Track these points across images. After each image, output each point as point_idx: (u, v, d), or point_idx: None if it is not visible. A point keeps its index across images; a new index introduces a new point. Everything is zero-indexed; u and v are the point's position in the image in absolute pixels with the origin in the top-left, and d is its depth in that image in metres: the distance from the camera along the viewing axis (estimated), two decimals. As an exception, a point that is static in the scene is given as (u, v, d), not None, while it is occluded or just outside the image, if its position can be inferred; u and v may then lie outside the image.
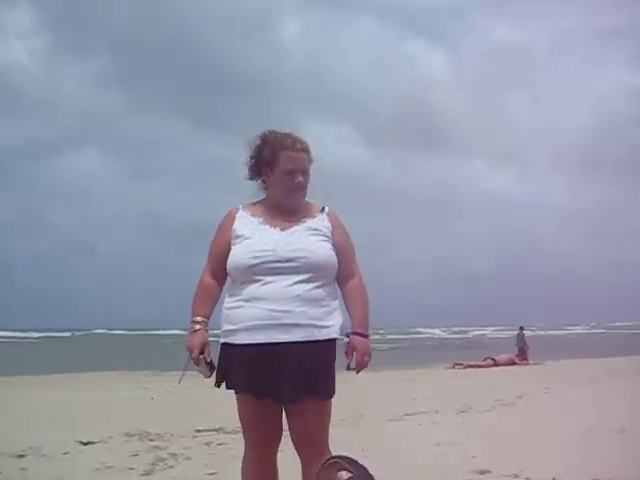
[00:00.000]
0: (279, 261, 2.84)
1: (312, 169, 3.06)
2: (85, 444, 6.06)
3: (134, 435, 6.48)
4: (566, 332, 62.22)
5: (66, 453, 5.63)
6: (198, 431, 6.70)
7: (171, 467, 5.09)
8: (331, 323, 2.89)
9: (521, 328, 23.43)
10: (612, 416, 7.17)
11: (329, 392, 2.90)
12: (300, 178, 2.96)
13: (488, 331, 66.84)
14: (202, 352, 2.92)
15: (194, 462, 5.26)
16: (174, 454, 5.54)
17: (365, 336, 2.97)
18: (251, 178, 3.11)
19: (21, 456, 5.42)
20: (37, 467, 5.05)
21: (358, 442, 5.64)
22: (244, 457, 2.96)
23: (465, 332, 69.45)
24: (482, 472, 4.61)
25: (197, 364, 2.93)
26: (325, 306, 2.89)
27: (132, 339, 49.12)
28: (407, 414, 8.21)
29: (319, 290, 2.88)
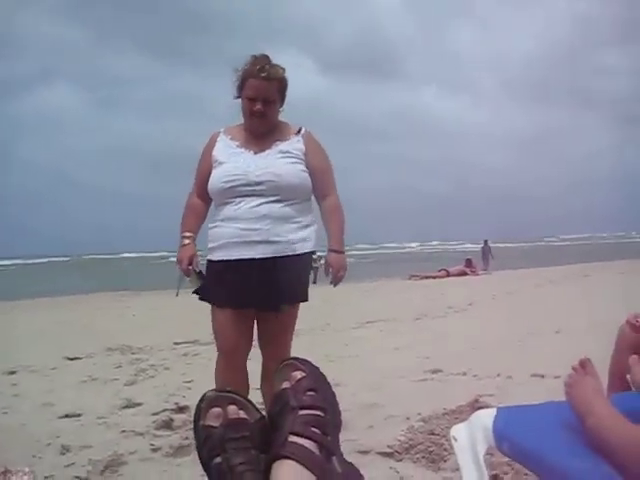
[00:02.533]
0: (249, 184, 2.86)
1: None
2: (71, 359, 6.10)
3: (116, 350, 6.54)
4: (518, 245, 63.23)
5: (54, 368, 5.67)
6: (176, 344, 6.78)
7: (152, 377, 5.16)
8: (301, 238, 2.92)
9: (485, 242, 24.03)
10: (550, 319, 7.41)
11: (295, 299, 2.96)
12: (258, 106, 2.91)
13: (448, 245, 67.66)
14: (190, 263, 3.00)
15: (173, 372, 5.33)
16: (154, 365, 5.61)
17: (340, 252, 3.03)
18: (237, 99, 3.07)
19: (12, 373, 5.44)
20: (27, 382, 5.08)
21: (322, 349, 5.77)
22: (216, 364, 3.02)
23: (422, 247, 70.42)
24: (434, 371, 4.74)
25: (187, 275, 3.02)
26: (295, 223, 2.91)
27: (115, 262, 48.95)
28: (369, 322, 8.39)
29: (288, 209, 2.89)
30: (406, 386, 4.34)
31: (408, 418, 3.39)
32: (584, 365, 1.81)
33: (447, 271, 20.07)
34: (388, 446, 2.94)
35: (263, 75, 2.87)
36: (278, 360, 2.78)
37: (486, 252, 23.78)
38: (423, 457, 2.77)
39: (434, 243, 78.66)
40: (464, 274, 20.08)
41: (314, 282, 3.71)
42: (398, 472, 2.65)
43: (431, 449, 2.80)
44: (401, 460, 2.81)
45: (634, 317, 2.59)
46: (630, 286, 9.26)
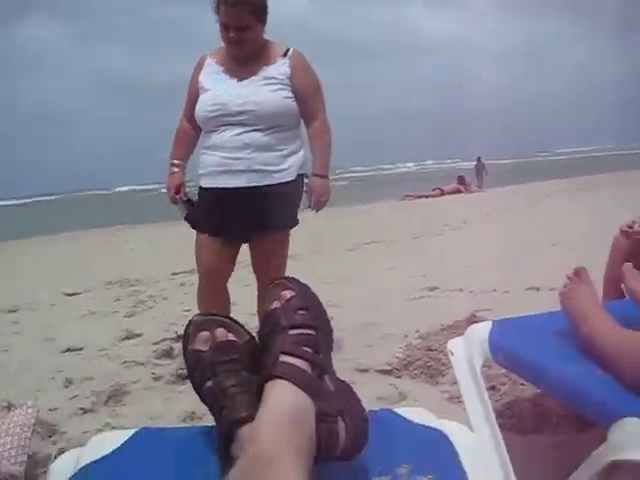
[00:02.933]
0: (230, 114, 2.83)
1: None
2: (70, 295, 6.11)
3: (115, 283, 6.54)
4: (513, 160, 62.90)
5: (53, 305, 5.69)
6: (174, 274, 6.78)
7: (151, 308, 5.19)
8: (284, 167, 2.89)
9: (478, 159, 23.84)
10: (546, 233, 7.43)
11: (282, 225, 2.95)
12: (232, 34, 2.82)
13: (444, 165, 67.28)
14: (178, 192, 3.05)
15: (171, 301, 5.36)
16: (152, 296, 5.63)
17: (324, 177, 3.00)
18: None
19: (12, 311, 5.45)
20: (28, 319, 5.10)
21: (318, 272, 5.79)
22: (198, 287, 3.05)
23: (417, 167, 70.18)
24: (431, 289, 4.77)
25: (175, 203, 3.06)
26: (277, 151, 2.88)
27: (109, 197, 48.77)
28: (365, 243, 8.39)
29: (270, 137, 2.85)
30: (403, 304, 4.37)
31: (406, 336, 3.42)
32: (579, 274, 1.80)
33: (441, 190, 19.96)
34: (387, 363, 2.98)
35: (232, 1, 2.76)
36: (269, 283, 2.81)
37: (480, 169, 23.58)
38: (422, 373, 2.82)
39: (429, 162, 78.31)
40: (458, 192, 19.97)
41: (309, 206, 3.71)
42: (397, 388, 2.69)
43: (429, 364, 2.84)
44: (400, 377, 2.85)
45: (626, 225, 2.59)
46: (625, 198, 9.23)
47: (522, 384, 2.36)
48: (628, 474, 1.28)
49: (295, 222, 2.99)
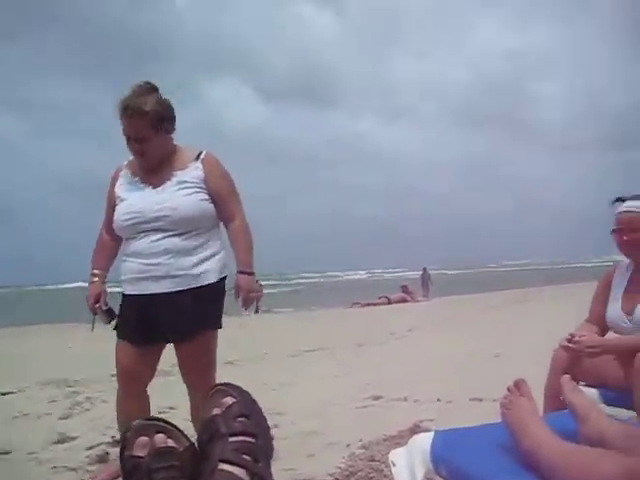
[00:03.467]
0: (147, 221, 2.83)
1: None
2: (4, 394, 5.85)
3: (52, 383, 6.30)
4: (460, 271, 64.27)
5: (-16, 404, 5.42)
6: (112, 376, 6.56)
7: (87, 410, 4.99)
8: (202, 270, 2.86)
9: (424, 269, 24.35)
10: (489, 344, 7.52)
11: (205, 328, 2.89)
12: (133, 144, 2.85)
13: (395, 273, 68.07)
14: (97, 301, 3.03)
15: (109, 404, 5.11)
16: (90, 398, 5.42)
17: (249, 274, 2.98)
18: None
19: (-61, 410, 5.17)
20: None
21: (261, 377, 5.69)
22: (117, 390, 2.99)
23: (364, 274, 70.91)
24: (375, 398, 4.73)
25: (94, 313, 3.05)
26: (196, 254, 2.86)
27: (52, 293, 47.61)
28: (308, 350, 8.32)
29: (188, 241, 2.84)
30: (346, 413, 4.31)
31: (348, 445, 3.36)
32: (519, 386, 1.82)
33: (388, 298, 20.19)
34: (329, 474, 2.90)
35: (129, 113, 2.78)
36: (199, 388, 2.77)
37: (425, 279, 24.10)
38: (363, 484, 2.75)
39: (378, 271, 79.20)
40: (404, 301, 20.24)
41: (256, 312, 3.65)
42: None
43: (371, 475, 2.77)
44: (342, 488, 2.78)
45: (565, 339, 2.66)
46: (566, 310, 9.47)
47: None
48: None
49: (219, 324, 2.94)
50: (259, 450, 1.01)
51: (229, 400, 1.06)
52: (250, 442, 1.00)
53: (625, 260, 2.89)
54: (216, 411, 1.06)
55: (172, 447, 1.04)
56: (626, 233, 2.70)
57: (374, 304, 19.27)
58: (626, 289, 2.84)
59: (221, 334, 2.95)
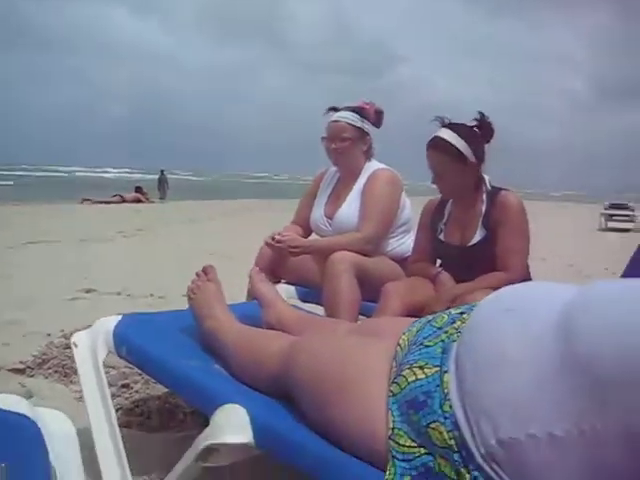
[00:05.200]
0: None
1: None
2: None
3: None
4: (202, 178, 64.14)
5: None
6: None
7: None
8: None
9: (162, 172, 23.99)
10: (211, 245, 7.68)
11: None
12: None
13: (123, 172, 65.99)
14: None
15: None
16: None
17: None
18: None
19: None
20: None
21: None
22: None
23: (99, 172, 67.97)
24: (88, 291, 4.60)
25: None
26: None
27: None
28: (27, 242, 7.80)
29: None
30: (55, 304, 4.13)
31: (49, 334, 3.23)
32: (207, 272, 1.86)
33: (122, 197, 19.60)
34: (20, 362, 2.76)
35: None
36: None
37: (162, 182, 23.85)
38: (55, 372, 2.65)
39: (113, 171, 76.14)
40: (139, 201, 19.80)
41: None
42: (25, 386, 2.50)
43: (65, 363, 2.69)
44: (32, 376, 2.66)
45: (270, 237, 2.76)
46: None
47: (155, 382, 2.35)
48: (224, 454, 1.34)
49: None
50: None
51: None
52: None
53: (332, 167, 3.04)
54: None
55: None
56: (334, 141, 2.83)
57: (106, 202, 18.57)
58: (330, 195, 3.01)
59: None
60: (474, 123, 2.38)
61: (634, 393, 0.81)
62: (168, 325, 1.82)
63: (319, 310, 2.64)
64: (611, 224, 16.01)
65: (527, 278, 2.42)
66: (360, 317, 2.53)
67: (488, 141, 2.40)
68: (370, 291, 2.50)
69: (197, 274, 1.85)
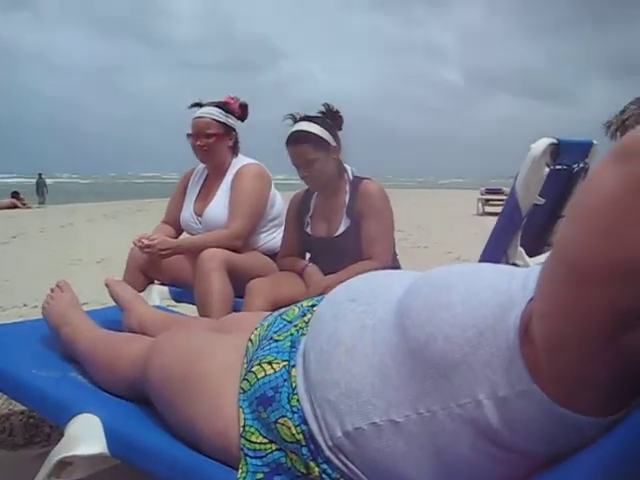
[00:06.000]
0: None
1: None
2: None
3: None
4: (82, 180, 61.95)
5: None
6: None
7: None
8: None
9: (40, 175, 23.20)
10: (96, 250, 7.43)
11: None
12: None
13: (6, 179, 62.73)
14: None
15: None
16: None
17: None
18: None
19: None
20: None
21: None
22: None
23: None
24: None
25: None
26: None
27: None
28: None
29: None
30: None
31: None
32: (61, 286, 1.80)
33: (-5, 202, 18.65)
34: None
35: None
36: None
37: (41, 185, 22.92)
38: None
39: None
40: (15, 207, 18.89)
41: None
42: None
43: None
44: None
45: (138, 240, 2.68)
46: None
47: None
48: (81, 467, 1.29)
49: None
50: None
51: None
52: None
53: (200, 165, 2.98)
54: None
55: None
56: (199, 138, 2.78)
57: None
58: (199, 193, 2.95)
59: None
60: (321, 115, 2.43)
61: (458, 375, 0.83)
62: (27, 336, 1.73)
63: (193, 310, 2.60)
64: (488, 209, 16.55)
65: (394, 265, 2.47)
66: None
67: (340, 128, 2.45)
68: (243, 287, 2.48)
69: (51, 289, 1.79)
